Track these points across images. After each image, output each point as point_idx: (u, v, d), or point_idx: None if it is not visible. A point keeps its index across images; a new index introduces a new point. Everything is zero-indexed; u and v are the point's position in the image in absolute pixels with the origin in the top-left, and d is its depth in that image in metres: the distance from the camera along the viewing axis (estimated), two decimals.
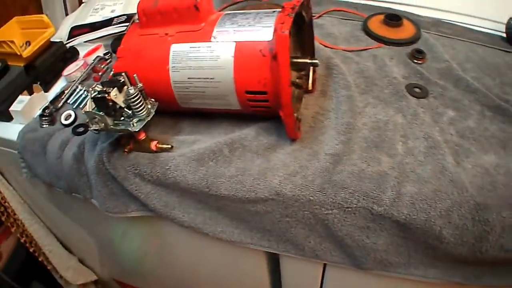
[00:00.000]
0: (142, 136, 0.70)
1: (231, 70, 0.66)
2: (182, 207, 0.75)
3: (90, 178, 0.78)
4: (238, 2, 1.19)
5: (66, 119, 0.85)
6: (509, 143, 0.82)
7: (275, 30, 0.64)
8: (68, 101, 0.92)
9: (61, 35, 1.15)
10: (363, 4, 1.17)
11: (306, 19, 0.76)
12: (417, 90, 0.90)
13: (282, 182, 0.67)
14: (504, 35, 1.08)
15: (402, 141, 0.75)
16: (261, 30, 0.67)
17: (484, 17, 1.11)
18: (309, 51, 0.84)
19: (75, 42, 1.10)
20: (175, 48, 0.69)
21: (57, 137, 0.84)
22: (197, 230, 0.77)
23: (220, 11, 1.11)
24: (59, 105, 0.92)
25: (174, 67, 0.68)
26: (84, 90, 0.92)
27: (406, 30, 1.04)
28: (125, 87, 0.65)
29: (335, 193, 0.66)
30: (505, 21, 1.07)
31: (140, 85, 0.66)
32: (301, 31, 0.78)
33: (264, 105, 0.68)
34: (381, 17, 1.05)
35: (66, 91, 0.94)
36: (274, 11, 0.70)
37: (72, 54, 1.06)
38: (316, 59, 0.80)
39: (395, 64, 0.93)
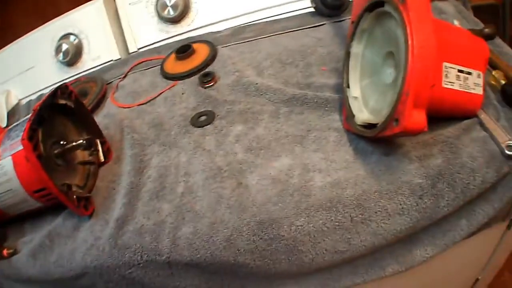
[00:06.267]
0: None
1: (17, 179, 0.75)
2: None
3: None
4: None
5: None
6: (307, 135, 0.78)
7: None
8: None
9: None
10: (165, 44, 1.16)
11: (69, 104, 0.83)
12: (202, 118, 0.88)
13: (83, 257, 0.72)
14: (313, 9, 1.00)
15: (184, 181, 0.77)
16: None
17: (289, 0, 1.05)
18: (93, 126, 0.89)
19: None
20: None
21: None
22: None
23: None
24: None
25: None
26: None
27: (198, 57, 1.02)
28: None
29: (122, 255, 0.70)
30: None
31: None
32: (77, 113, 0.86)
33: (53, 197, 0.76)
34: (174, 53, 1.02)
35: None
36: None
37: None
38: (82, 139, 0.82)
39: (185, 99, 0.96)
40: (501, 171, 0.68)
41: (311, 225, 0.66)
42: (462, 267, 0.94)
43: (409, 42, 0.59)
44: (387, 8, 0.68)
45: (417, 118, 0.60)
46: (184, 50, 1.04)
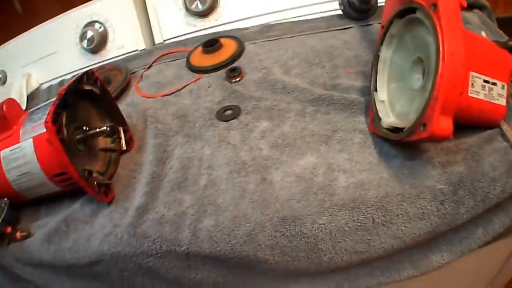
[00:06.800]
0: (9, 230, 0.82)
1: (37, 162, 0.76)
2: (58, 280, 0.82)
3: None
4: None
5: None
6: (333, 135, 0.80)
7: None
8: None
9: None
10: (191, 37, 1.18)
11: (95, 90, 0.85)
12: (228, 112, 0.90)
13: (100, 244, 0.73)
14: (341, 12, 1.02)
15: (207, 173, 0.77)
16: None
17: (318, 1, 1.06)
18: (117, 114, 0.91)
19: None
20: (1, 154, 0.80)
21: None
22: None
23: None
24: None
25: (5, 170, 0.80)
26: None
27: (226, 51, 1.04)
28: None
29: (140, 244, 0.71)
30: None
31: None
32: (101, 100, 0.88)
33: (73, 182, 0.77)
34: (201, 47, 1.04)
35: None
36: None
37: None
38: (105, 126, 0.83)
39: (211, 92, 0.98)
40: None
41: (333, 224, 0.66)
42: (473, 276, 0.95)
43: (440, 49, 0.61)
44: (418, 14, 0.69)
45: (445, 124, 0.61)
46: (211, 44, 1.06)
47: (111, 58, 1.28)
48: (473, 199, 0.68)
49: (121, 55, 1.27)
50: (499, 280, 1.02)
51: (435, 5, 0.63)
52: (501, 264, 0.96)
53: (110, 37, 1.27)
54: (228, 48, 1.04)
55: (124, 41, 1.26)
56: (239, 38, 1.06)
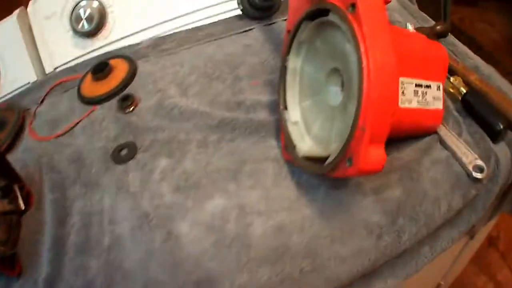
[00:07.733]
0: None
1: None
2: None
3: None
4: None
5: None
6: (241, 168, 0.60)
7: None
8: None
9: None
10: (82, 61, 0.91)
11: None
12: (123, 152, 0.68)
13: None
14: (240, 12, 0.79)
15: (110, 231, 0.59)
16: None
17: (214, 2, 0.82)
18: (9, 170, 0.69)
19: None
20: None
21: None
22: None
23: None
24: None
25: None
26: None
27: (117, 75, 0.80)
28: None
29: None
30: None
31: None
32: None
33: None
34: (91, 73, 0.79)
35: None
36: None
37: None
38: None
39: (105, 127, 0.73)
40: (468, 196, 0.56)
41: (255, 281, 0.51)
42: (425, 275, 0.81)
43: (364, 63, 0.42)
44: (332, 17, 0.50)
45: (375, 156, 0.43)
46: (101, 68, 0.81)
47: (7, 95, 1.00)
48: (415, 226, 0.54)
49: (16, 89, 0.99)
50: (450, 275, 0.89)
51: (353, 6, 0.44)
52: (452, 261, 0.84)
53: (2, 71, 0.99)
54: (120, 70, 0.81)
55: (16, 74, 0.99)
56: (131, 56, 0.82)
